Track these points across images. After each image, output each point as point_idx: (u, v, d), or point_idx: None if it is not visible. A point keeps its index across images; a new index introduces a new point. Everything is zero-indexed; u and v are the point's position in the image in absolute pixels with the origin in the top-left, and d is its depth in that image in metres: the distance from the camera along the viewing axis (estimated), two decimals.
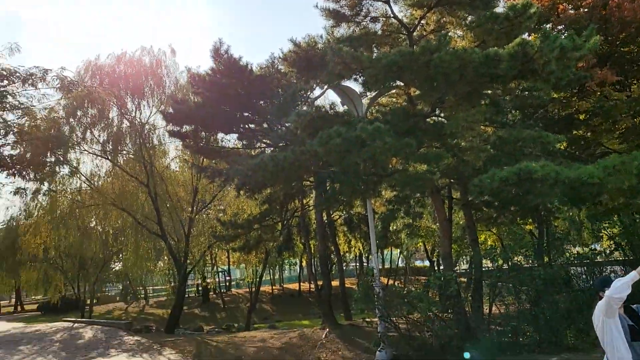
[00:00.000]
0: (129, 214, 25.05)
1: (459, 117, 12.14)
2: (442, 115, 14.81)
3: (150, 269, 31.21)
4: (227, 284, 59.38)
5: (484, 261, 14.87)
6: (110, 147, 24.07)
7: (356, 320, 20.11)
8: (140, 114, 24.77)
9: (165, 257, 30.24)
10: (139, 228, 25.55)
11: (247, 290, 54.80)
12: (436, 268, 40.53)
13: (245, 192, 21.85)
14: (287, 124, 18.90)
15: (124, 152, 24.79)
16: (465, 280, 19.50)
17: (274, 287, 56.74)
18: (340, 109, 15.64)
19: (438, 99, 13.54)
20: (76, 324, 30.98)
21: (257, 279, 32.93)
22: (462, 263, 51.59)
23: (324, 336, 17.21)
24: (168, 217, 26.23)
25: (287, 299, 52.87)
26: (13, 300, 72.24)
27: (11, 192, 20.58)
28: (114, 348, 19.86)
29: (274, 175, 13.63)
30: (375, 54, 12.67)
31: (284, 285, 60.89)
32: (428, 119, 14.21)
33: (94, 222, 34.38)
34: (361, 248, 39.39)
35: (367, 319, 14.23)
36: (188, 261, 26.30)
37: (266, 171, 13.59)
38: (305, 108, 15.44)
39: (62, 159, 23.62)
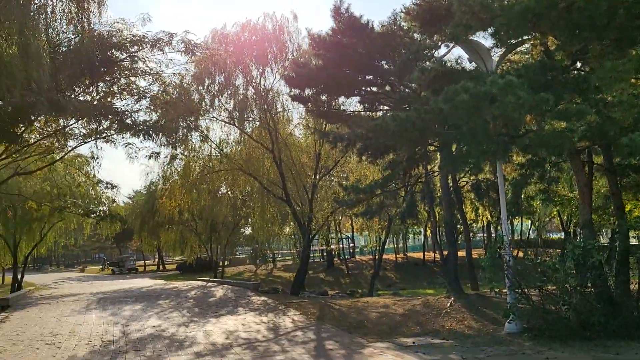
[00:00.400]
0: (255, 179, 25.77)
1: (606, 68, 10.70)
2: (584, 67, 13.27)
3: (276, 233, 32.06)
4: (351, 250, 60.01)
5: (630, 233, 13.32)
6: (237, 114, 24.75)
7: (483, 291, 19.18)
8: (265, 80, 25.19)
9: (290, 222, 30.86)
10: (264, 193, 26.23)
11: (371, 257, 55.09)
12: (573, 240, 37.66)
13: (367, 158, 21.43)
14: (410, 86, 18.18)
15: (250, 119, 25.45)
16: (608, 252, 17.69)
17: (397, 256, 56.37)
18: (468, 66, 14.57)
19: (580, 49, 12.11)
20: (209, 283, 32.87)
21: (380, 246, 32.59)
22: (602, 237, 47.79)
23: (448, 305, 16.54)
24: (292, 183, 26.63)
25: (411, 267, 52.30)
26: (157, 260, 78.79)
27: (146, 156, 22.00)
28: (242, 307, 20.65)
29: (396, 137, 13.07)
30: (507, 1, 11.49)
31: (408, 254, 60.40)
32: (568, 73, 12.80)
33: (224, 187, 36.05)
34: (489, 217, 37.63)
35: (496, 289, 13.37)
36: (312, 226, 26.64)
37: (387, 132, 13.06)
38: (428, 64, 14.57)
39: (192, 125, 24.67)
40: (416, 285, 43.05)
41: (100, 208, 21.10)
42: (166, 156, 24.97)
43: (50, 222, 35.93)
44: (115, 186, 20.38)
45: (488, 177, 23.94)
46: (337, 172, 29.25)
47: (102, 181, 20.21)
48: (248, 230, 54.31)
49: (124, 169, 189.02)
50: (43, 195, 21.06)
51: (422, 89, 13.11)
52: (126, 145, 18.38)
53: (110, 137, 17.60)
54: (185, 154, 27.66)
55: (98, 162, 20.09)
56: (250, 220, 36.91)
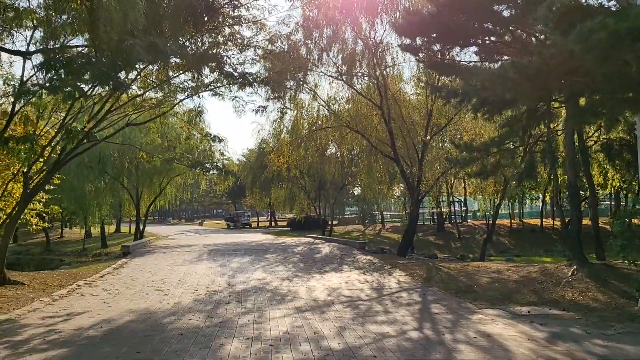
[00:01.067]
0: (363, 137, 25.11)
1: None
2: None
3: (384, 193, 31.36)
4: (463, 214, 58.07)
5: None
6: (345, 68, 24.03)
7: (612, 261, 17.36)
8: (375, 33, 24.12)
9: (399, 183, 29.99)
10: (372, 151, 25.54)
11: (484, 222, 53.03)
12: None
13: (483, 114, 19.92)
14: (534, 33, 16.42)
15: (359, 74, 24.64)
16: None
17: (512, 221, 53.61)
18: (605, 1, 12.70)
19: None
20: (316, 240, 33.07)
21: (494, 210, 30.89)
22: None
23: (570, 274, 15.06)
24: (401, 141, 25.67)
25: (527, 234, 49.62)
26: (269, 216, 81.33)
27: (252, 110, 22.01)
28: (347, 265, 20.37)
29: (516, 86, 11.75)
30: None
31: (524, 220, 57.30)
32: None
33: (331, 146, 35.86)
34: (619, 182, 34.36)
35: (629, 260, 11.84)
36: (421, 187, 25.64)
37: (506, 83, 11.78)
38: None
39: (301, 81, 24.37)
40: (532, 253, 40.96)
41: (210, 161, 21.48)
42: (272, 110, 24.84)
43: (169, 176, 37.91)
44: (223, 139, 20.64)
45: (622, 136, 21.52)
46: (449, 130, 27.78)
47: (210, 134, 20.50)
48: (357, 190, 54.27)
49: (237, 128, 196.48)
50: (155, 148, 21.90)
51: (549, 30, 11.56)
52: (233, 99, 18.41)
53: (217, 89, 17.61)
54: (294, 110, 27.56)
55: (203, 118, 20.54)
56: (357, 179, 36.46)
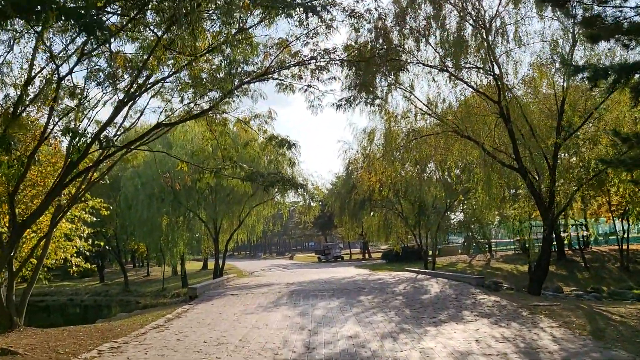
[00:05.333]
0: (476, 143, 19.82)
1: None
2: None
3: (505, 212, 25.62)
4: (585, 239, 50.19)
5: None
6: (450, 58, 19.10)
7: None
8: (484, 13, 19.06)
9: (523, 200, 24.10)
10: (488, 161, 20.21)
11: (612, 247, 45.34)
12: None
13: None
14: None
15: (467, 64, 19.51)
16: None
17: None
18: None
19: None
20: (419, 276, 27.75)
21: None
22: None
23: None
24: (523, 148, 20.19)
25: None
26: (362, 247, 76.72)
27: (333, 104, 17.13)
28: (468, 310, 15.13)
29: None
30: None
31: None
32: None
33: (432, 164, 30.79)
34: None
35: None
36: (554, 204, 19.89)
37: None
38: None
39: (394, 80, 19.70)
40: None
41: (276, 172, 16.86)
42: (358, 104, 19.73)
43: (250, 205, 34.40)
44: (294, 144, 15.89)
45: None
46: (588, 129, 21.75)
47: (277, 137, 15.76)
48: (460, 216, 48.35)
49: (321, 151, 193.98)
50: (204, 157, 17.74)
51: None
52: (306, 90, 13.87)
53: (282, 79, 13.34)
54: (385, 117, 22.81)
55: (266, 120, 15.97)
56: (467, 199, 30.98)
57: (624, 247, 40.38)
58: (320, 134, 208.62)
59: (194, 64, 12.17)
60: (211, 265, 57.70)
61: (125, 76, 12.19)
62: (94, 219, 17.29)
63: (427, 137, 22.79)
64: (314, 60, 12.43)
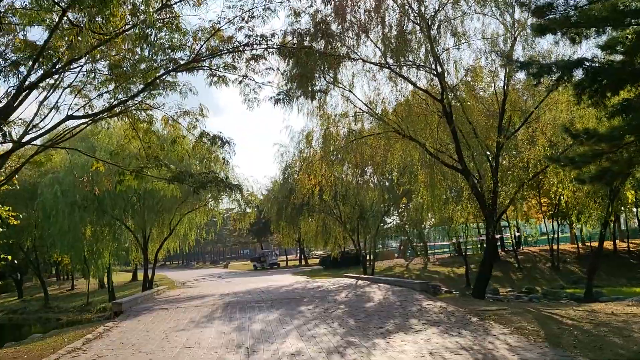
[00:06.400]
0: (418, 144, 19.16)
1: None
2: None
3: (448, 214, 25.14)
4: (517, 240, 51.16)
5: None
6: (390, 54, 18.37)
7: None
8: (425, 9, 18.44)
9: (467, 202, 23.66)
10: (432, 162, 19.60)
11: (542, 248, 46.40)
12: None
13: (590, 97, 14.06)
14: None
15: (409, 62, 18.80)
16: None
17: (580, 246, 46.45)
18: None
19: None
20: (360, 281, 26.91)
21: (601, 229, 24.40)
22: None
23: None
24: (465, 147, 19.73)
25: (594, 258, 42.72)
26: (298, 254, 75.73)
27: (271, 98, 15.78)
28: (415, 317, 14.30)
29: None
30: None
31: (587, 244, 50.07)
32: None
33: (370, 168, 30.15)
34: None
35: None
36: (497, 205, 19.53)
37: None
38: None
39: (333, 78, 18.78)
40: (611, 282, 34.24)
41: (207, 172, 15.29)
42: (298, 99, 18.57)
43: (181, 212, 32.66)
44: (227, 141, 14.41)
45: None
46: (521, 131, 21.56)
47: (208, 134, 14.24)
48: (396, 220, 48.19)
49: (258, 161, 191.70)
50: (125, 157, 16.07)
51: None
52: (240, 82, 12.61)
53: (216, 69, 12.03)
54: (323, 118, 21.89)
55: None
56: (409, 201, 30.47)
57: (554, 247, 41.34)
58: (255, 139, 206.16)
59: (113, 52, 10.72)
60: (141, 276, 55.09)
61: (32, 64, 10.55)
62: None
63: (368, 138, 21.99)
64: (249, 48, 11.29)
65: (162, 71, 11.65)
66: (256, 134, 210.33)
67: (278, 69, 13.68)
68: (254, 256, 77.41)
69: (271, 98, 14.95)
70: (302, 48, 13.25)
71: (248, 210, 38.31)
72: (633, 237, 46.22)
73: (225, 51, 11.60)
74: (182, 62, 11.74)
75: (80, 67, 11.71)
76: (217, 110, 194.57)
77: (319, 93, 17.68)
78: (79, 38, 8.69)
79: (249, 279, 42.18)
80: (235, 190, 17.95)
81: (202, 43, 11.50)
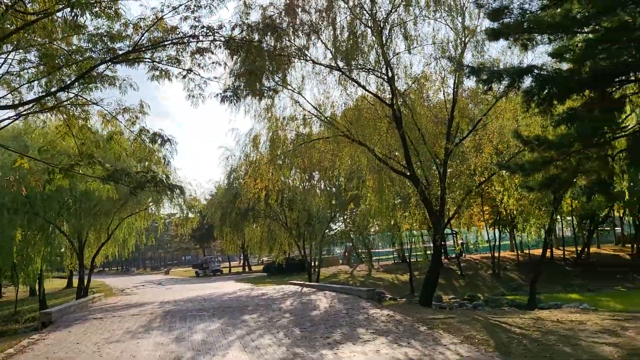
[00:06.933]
0: (367, 148, 18.85)
1: None
2: None
3: (399, 221, 24.97)
4: (460, 247, 51.89)
5: None
6: (341, 57, 18.01)
7: None
8: (376, 12, 18.16)
9: (414, 208, 23.57)
10: (380, 167, 19.33)
11: (485, 255, 47.18)
12: None
13: (540, 104, 14.10)
14: None
15: (359, 65, 18.48)
16: None
17: (519, 253, 47.46)
18: None
19: None
20: (305, 289, 26.37)
21: (545, 236, 24.72)
22: None
23: None
24: (414, 154, 19.59)
25: (535, 267, 43.76)
26: (242, 260, 74.52)
27: (217, 95, 15.05)
28: (362, 327, 13.87)
29: None
30: None
31: (526, 251, 51.31)
32: None
33: (317, 174, 29.77)
34: None
35: None
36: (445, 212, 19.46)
37: None
38: None
39: (282, 79, 18.25)
40: (548, 289, 35.05)
41: (146, 172, 14.24)
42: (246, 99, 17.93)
43: (120, 216, 31.26)
44: (169, 140, 13.51)
45: None
46: (469, 140, 21.64)
47: (148, 131, 13.29)
48: (342, 226, 48.00)
49: (202, 166, 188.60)
50: (55, 154, 14.88)
51: None
52: (185, 76, 11.84)
53: (159, 61, 11.23)
54: (271, 122, 21.35)
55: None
56: (357, 206, 30.21)
57: (496, 254, 42.11)
58: (200, 142, 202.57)
59: (43, 39, 9.79)
60: (77, 282, 52.65)
61: None
62: None
63: (316, 142, 21.53)
64: (194, 40, 10.59)
65: (98, 62, 10.76)
66: (202, 138, 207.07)
67: (226, 64, 13.02)
68: (196, 263, 75.79)
69: (217, 95, 14.25)
70: (251, 42, 12.61)
71: (190, 215, 37.17)
72: (568, 244, 47.63)
73: (169, 42, 10.85)
74: (120, 52, 10.88)
75: (7, 54, 10.70)
76: (162, 113, 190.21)
77: (267, 91, 17.04)
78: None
79: (191, 286, 40.99)
80: (175, 192, 17.01)
81: (143, 32, 10.69)
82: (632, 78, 14.24)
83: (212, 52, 10.85)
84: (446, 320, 14.50)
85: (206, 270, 66.67)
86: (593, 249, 45.45)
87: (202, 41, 10.76)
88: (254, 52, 12.69)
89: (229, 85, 14.97)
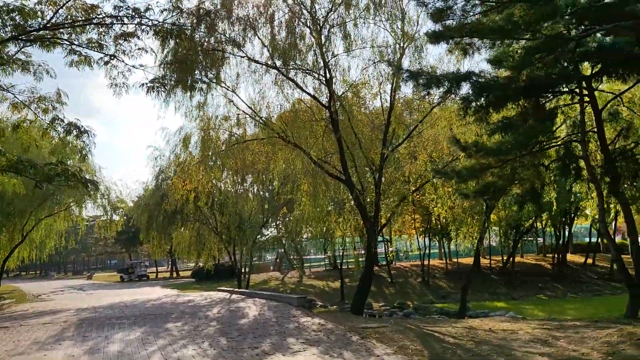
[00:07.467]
0: (303, 152, 18.31)
1: None
2: None
3: (333, 227, 24.49)
4: (390, 255, 52.25)
5: None
6: (278, 55, 17.41)
7: None
8: (316, 11, 17.71)
9: (349, 214, 23.23)
10: (316, 171, 18.84)
11: (415, 263, 47.74)
12: None
13: (477, 112, 14.05)
14: None
15: (297, 65, 17.91)
16: None
17: (447, 262, 48.27)
18: None
19: None
20: (234, 296, 25.50)
21: (477, 244, 24.93)
22: None
23: None
24: (350, 159, 19.24)
25: (463, 275, 44.61)
26: (170, 265, 72.31)
27: (142, 85, 13.93)
28: (292, 336, 13.26)
29: None
30: None
31: (454, 260, 52.29)
32: None
33: (250, 177, 29.02)
34: None
35: None
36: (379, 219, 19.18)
37: None
38: None
39: (216, 76, 17.45)
40: (475, 297, 35.76)
41: (56, 164, 12.93)
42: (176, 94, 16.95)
43: (37, 217, 29.30)
44: (86, 131, 12.34)
45: None
46: (403, 147, 21.53)
47: (62, 120, 11.99)
48: (273, 232, 47.31)
49: (129, 166, 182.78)
50: None
51: None
52: (107, 62, 10.82)
53: (76, 46, 10.22)
54: (201, 121, 20.49)
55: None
56: (290, 211, 29.55)
57: (425, 262, 42.65)
58: (128, 143, 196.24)
59: None
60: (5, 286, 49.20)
61: None
62: None
63: (250, 143, 20.78)
64: (118, 22, 9.68)
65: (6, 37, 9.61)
66: (132, 139, 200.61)
67: (155, 53, 12.11)
68: (121, 267, 72.90)
69: (143, 85, 13.14)
70: (182, 28, 11.76)
71: (115, 217, 35.45)
72: (494, 254, 48.93)
73: (88, 22, 9.85)
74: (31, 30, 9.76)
75: None
76: (85, 111, 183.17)
77: (199, 83, 16.14)
78: None
79: (114, 291, 39.08)
80: (90, 187, 15.69)
81: (58, 8, 9.61)
82: (565, 89, 14.46)
83: (139, 38, 9.98)
84: (379, 329, 14.10)
85: (132, 275, 64.45)
86: (517, 259, 46.82)
87: (126, 24, 9.90)
88: (186, 43, 11.83)
89: (157, 76, 13.98)
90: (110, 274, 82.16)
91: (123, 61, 10.82)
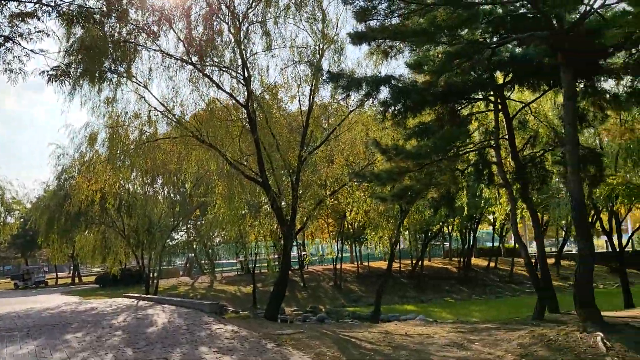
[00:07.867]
0: (218, 152, 17.64)
1: None
2: None
3: (249, 228, 23.84)
4: (306, 259, 52.14)
5: None
6: (194, 51, 16.66)
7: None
8: (235, 7, 17.16)
9: (264, 216, 22.73)
10: (232, 173, 18.20)
11: (327, 267, 47.88)
12: None
13: (395, 116, 14.06)
14: None
15: (214, 63, 17.23)
16: None
17: (359, 265, 48.76)
18: None
19: None
20: (141, 302, 24.24)
21: (391, 248, 25.16)
22: None
23: (602, 346, 9.27)
24: (266, 159, 18.79)
25: (375, 279, 45.21)
26: (71, 271, 68.46)
27: (42, 72, 12.72)
28: (205, 345, 12.60)
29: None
30: None
31: (369, 263, 52.98)
32: None
33: (167, 167, 27.89)
34: None
35: None
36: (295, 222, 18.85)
37: None
38: None
39: (126, 70, 16.44)
40: (386, 300, 36.33)
41: None
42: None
43: None
44: None
45: None
46: (328, 147, 21.37)
47: None
48: (184, 236, 45.90)
49: (30, 165, 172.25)
50: None
51: None
52: (1, 45, 9.65)
53: None
54: (110, 118, 19.28)
55: None
56: (203, 215, 28.55)
57: (337, 266, 42.84)
58: (29, 142, 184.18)
59: None
60: None
61: None
62: None
63: (162, 142, 19.82)
64: (15, 0, 8.66)
65: None
66: (30, 136, 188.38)
67: (60, 40, 11.06)
68: (15, 273, 68.01)
69: (43, 72, 11.89)
70: (89, 10, 10.80)
71: (10, 219, 32.83)
72: (403, 257, 49.93)
73: None
74: None
75: None
76: None
77: (108, 73, 15.08)
78: None
79: (7, 300, 36.14)
80: None
81: None
82: (480, 97, 14.81)
83: (39, 19, 9.01)
84: (295, 335, 13.72)
85: (28, 282, 60.22)
86: (425, 262, 48.09)
87: (24, 2, 8.92)
88: (95, 32, 10.91)
89: (61, 64, 12.83)
90: (3, 281, 76.61)
91: (20, 44, 9.74)
